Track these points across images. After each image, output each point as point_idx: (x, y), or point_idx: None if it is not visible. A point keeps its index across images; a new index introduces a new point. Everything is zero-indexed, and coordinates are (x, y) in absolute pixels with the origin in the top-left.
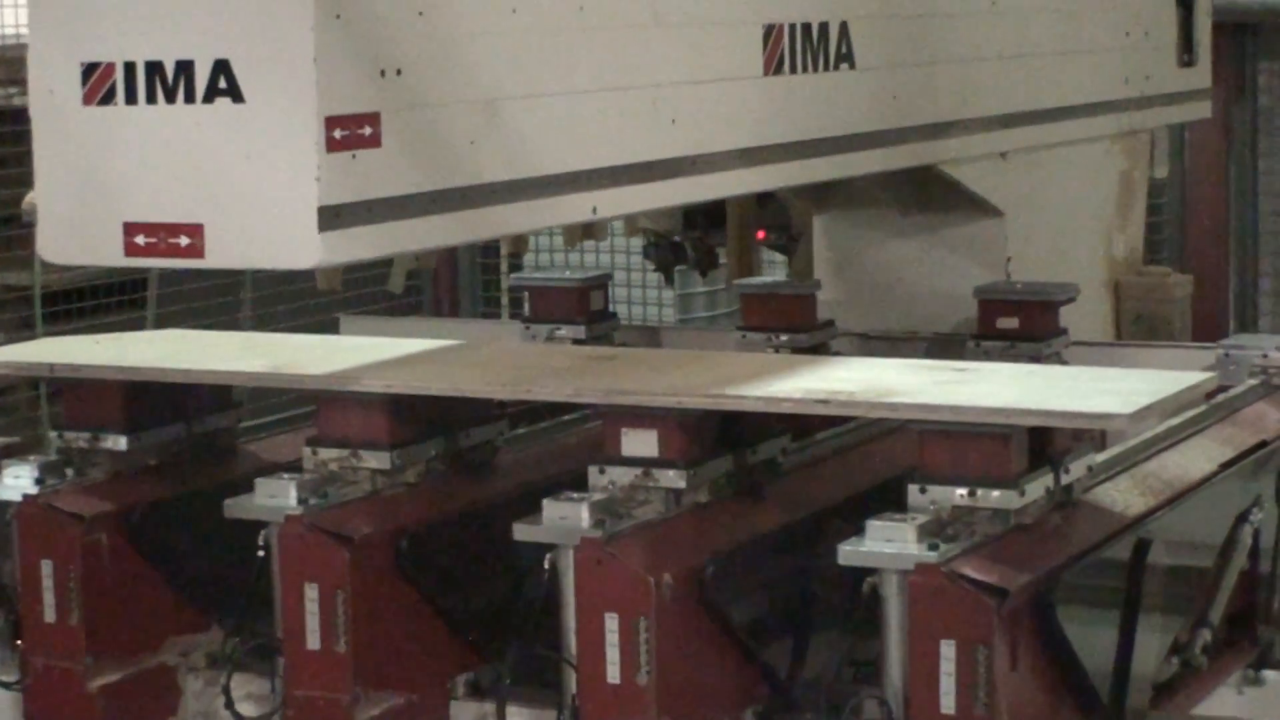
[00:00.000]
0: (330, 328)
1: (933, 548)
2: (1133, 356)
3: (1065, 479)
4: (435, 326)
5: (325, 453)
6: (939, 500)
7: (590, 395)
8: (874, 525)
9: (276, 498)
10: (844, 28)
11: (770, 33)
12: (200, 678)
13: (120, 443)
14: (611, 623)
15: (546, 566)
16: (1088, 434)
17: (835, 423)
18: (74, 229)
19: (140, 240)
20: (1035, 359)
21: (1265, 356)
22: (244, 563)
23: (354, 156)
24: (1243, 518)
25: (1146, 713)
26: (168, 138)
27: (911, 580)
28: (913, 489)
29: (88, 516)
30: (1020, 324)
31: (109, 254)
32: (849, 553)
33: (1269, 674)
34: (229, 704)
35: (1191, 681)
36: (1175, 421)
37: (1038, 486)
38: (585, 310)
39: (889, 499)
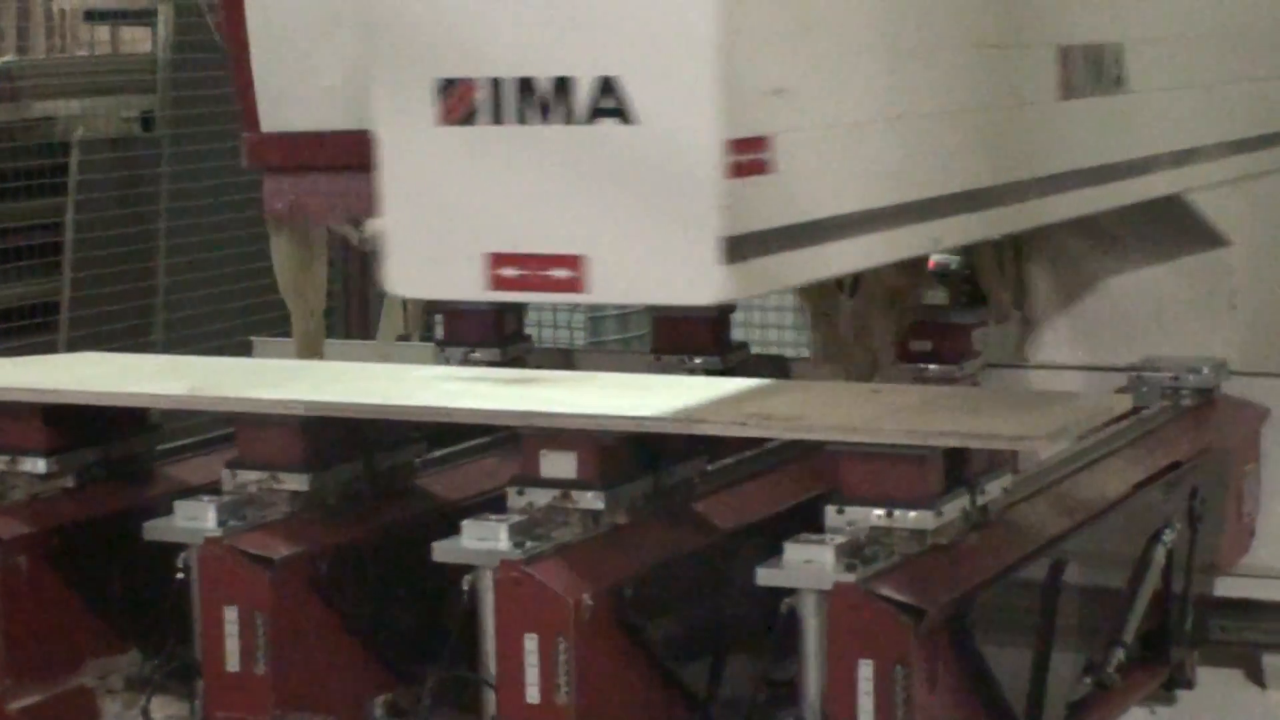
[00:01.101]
0: (242, 350)
1: (850, 568)
2: (1045, 379)
3: (981, 499)
4: (348, 349)
5: (244, 475)
6: (856, 521)
7: (509, 417)
8: (792, 546)
9: (196, 520)
10: (1119, 50)
11: (1063, 55)
12: (119, 700)
13: (39, 465)
14: (531, 643)
15: (465, 588)
16: (1003, 456)
17: (753, 444)
18: (428, 260)
19: (508, 273)
20: (949, 381)
21: (1176, 379)
22: (163, 585)
23: (751, 182)
24: (1155, 538)
25: None
26: (540, 161)
27: (830, 600)
28: (830, 510)
29: (6, 539)
30: (935, 347)
31: (470, 287)
32: (767, 574)
33: (1180, 693)
34: None
35: (1105, 700)
36: (1089, 443)
37: (954, 507)
38: (499, 333)
39: (807, 519)
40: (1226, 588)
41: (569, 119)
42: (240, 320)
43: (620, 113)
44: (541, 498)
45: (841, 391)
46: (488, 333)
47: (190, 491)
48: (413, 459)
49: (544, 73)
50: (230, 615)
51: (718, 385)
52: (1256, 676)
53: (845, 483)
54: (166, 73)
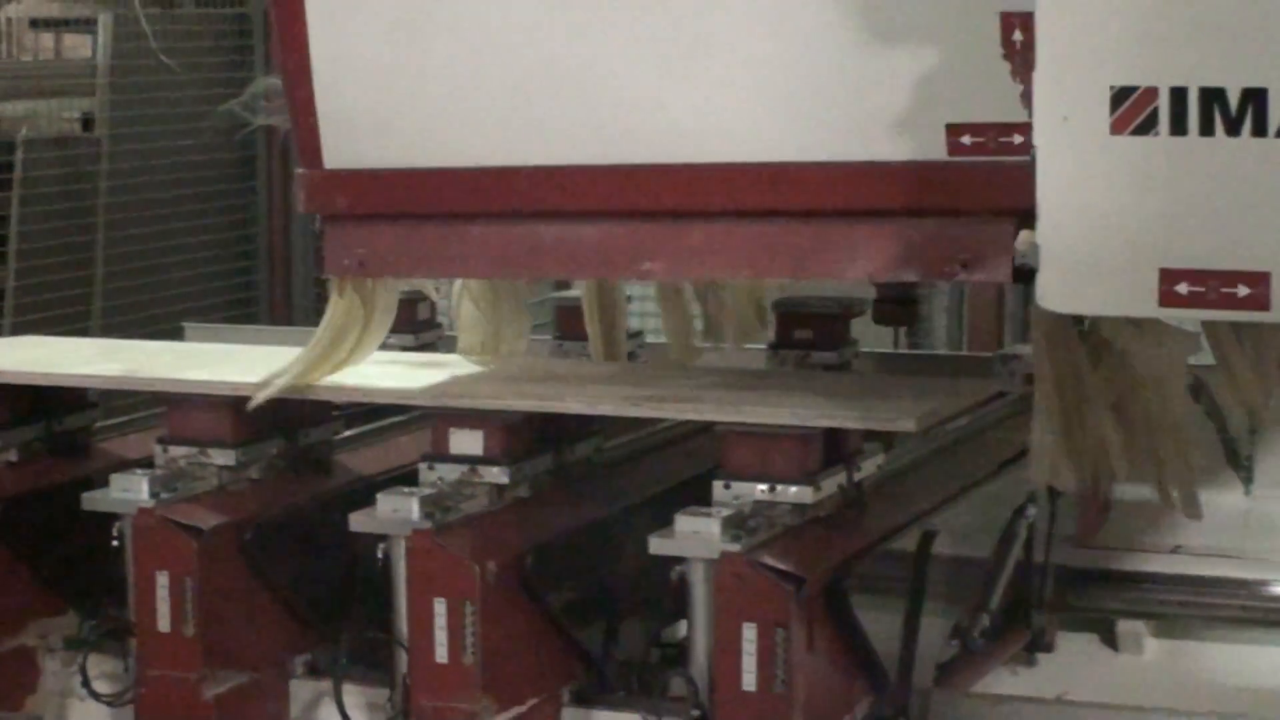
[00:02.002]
0: (175, 335)
1: (735, 539)
2: (917, 365)
3: (858, 476)
4: (272, 334)
5: (175, 450)
6: (742, 495)
7: (421, 398)
8: (682, 519)
9: (130, 492)
10: None
11: None
12: (58, 658)
13: None
14: (439, 607)
15: (379, 555)
16: (880, 435)
17: (648, 424)
18: (1091, 275)
19: (1182, 289)
20: (828, 367)
21: None
22: (100, 552)
23: None
24: (1019, 513)
25: (930, 690)
26: (1224, 174)
27: (716, 569)
28: (718, 485)
29: None
30: (814, 335)
31: (1138, 303)
32: (659, 544)
33: (1040, 656)
34: (85, 683)
35: (971, 663)
36: (960, 424)
37: (832, 483)
38: (412, 320)
39: (697, 493)
40: (1084, 559)
41: (1260, 133)
42: (173, 308)
43: None
44: (451, 473)
45: (731, 376)
46: (401, 320)
47: (126, 466)
48: (332, 436)
49: (1234, 84)
50: (161, 580)
51: (618, 369)
52: (1110, 641)
53: (732, 461)
54: (105, 77)
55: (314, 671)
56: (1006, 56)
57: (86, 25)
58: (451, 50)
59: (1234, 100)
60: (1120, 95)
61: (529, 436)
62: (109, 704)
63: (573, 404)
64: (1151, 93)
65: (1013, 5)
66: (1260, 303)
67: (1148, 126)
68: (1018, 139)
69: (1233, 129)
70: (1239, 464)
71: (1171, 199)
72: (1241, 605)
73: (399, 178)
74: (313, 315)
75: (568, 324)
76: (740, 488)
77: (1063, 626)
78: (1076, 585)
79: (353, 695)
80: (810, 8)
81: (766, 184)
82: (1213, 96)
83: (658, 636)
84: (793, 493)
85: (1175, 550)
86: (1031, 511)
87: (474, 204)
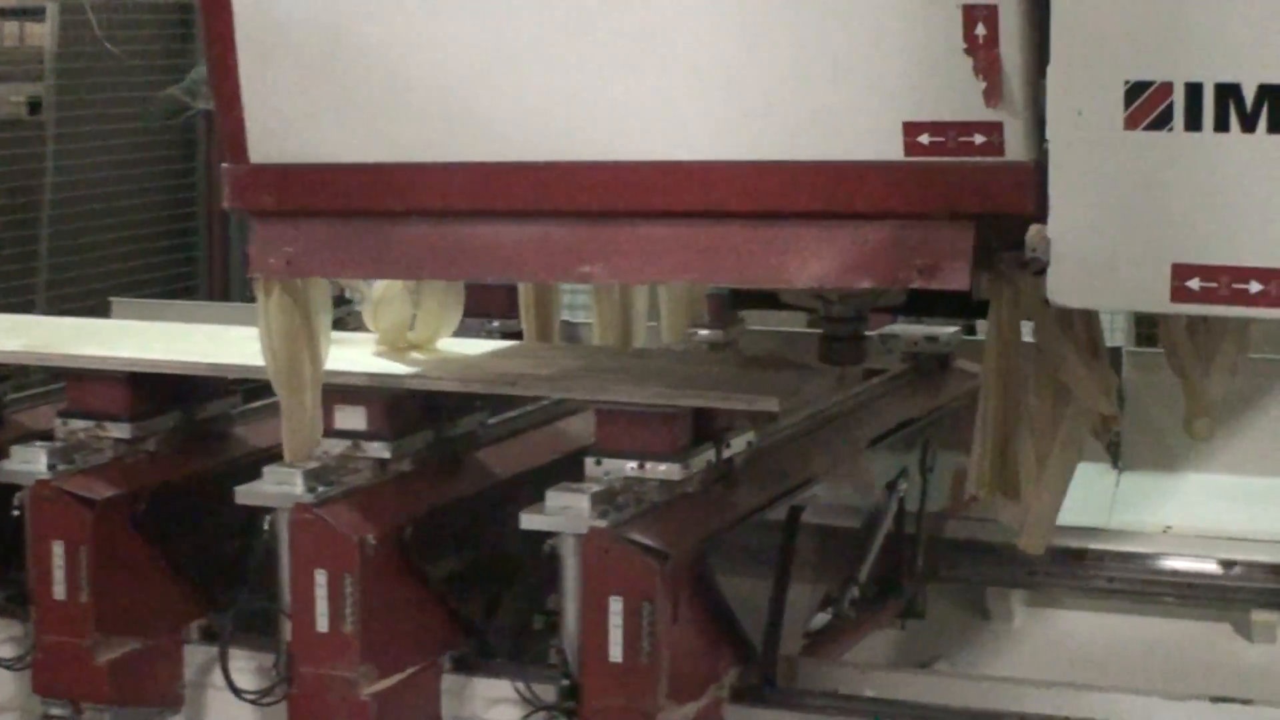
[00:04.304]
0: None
1: (604, 514)
2: (803, 340)
3: (727, 453)
4: (205, 310)
5: (74, 423)
6: (612, 472)
7: None
8: (553, 494)
9: (29, 464)
10: None
11: None
12: None
13: None
14: (321, 578)
15: (266, 527)
16: (750, 413)
17: (533, 400)
18: (1102, 270)
19: (1194, 285)
20: (715, 344)
21: (916, 344)
22: (1, 522)
23: None
24: (891, 486)
25: (798, 659)
26: (1239, 170)
27: (584, 543)
28: (589, 461)
29: None
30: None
31: (1149, 299)
32: (530, 519)
33: (912, 623)
34: None
35: (842, 631)
36: (836, 400)
37: (701, 460)
38: None
39: (572, 469)
40: (955, 530)
41: (1275, 129)
42: (116, 282)
43: None
44: (335, 447)
45: (610, 355)
46: None
47: (26, 437)
48: (228, 410)
49: (1250, 80)
50: (57, 550)
51: (499, 349)
52: (980, 608)
53: (603, 438)
54: (52, 63)
55: (207, 637)
56: (968, 52)
57: (36, 14)
58: (382, 42)
59: (1250, 96)
60: (1134, 90)
61: (412, 412)
62: (8, 668)
63: (445, 383)
64: (1166, 88)
65: None
66: (1273, 299)
67: (1162, 122)
68: (979, 138)
69: (1248, 125)
70: (1108, 440)
71: (1185, 195)
72: (1109, 576)
73: (328, 174)
74: (249, 293)
75: (469, 299)
76: (611, 464)
77: (935, 596)
78: (949, 555)
79: (242, 661)
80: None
81: (712, 184)
82: (1228, 92)
83: (534, 607)
84: (661, 469)
85: None
86: (903, 485)
87: (406, 202)
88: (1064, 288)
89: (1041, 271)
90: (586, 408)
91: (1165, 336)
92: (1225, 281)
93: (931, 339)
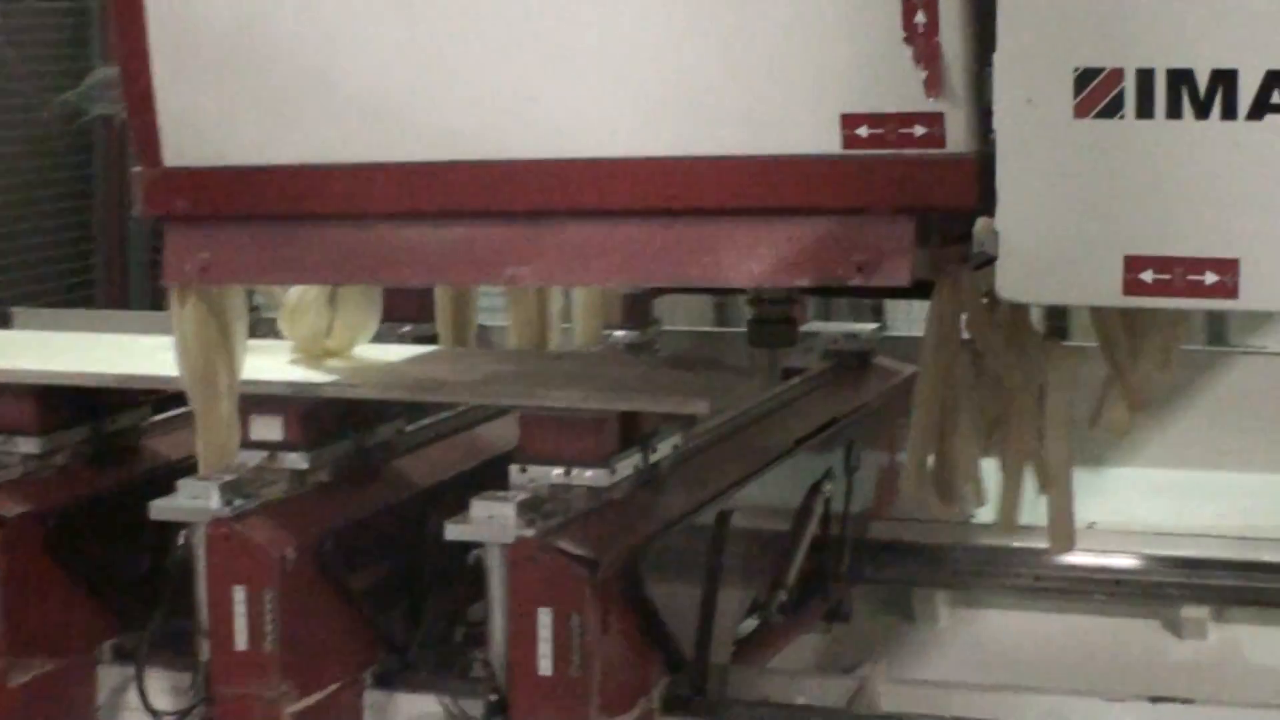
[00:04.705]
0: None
1: (530, 523)
2: (720, 340)
3: (654, 457)
4: (105, 319)
5: None
6: (538, 479)
7: None
8: (478, 503)
9: None
10: None
11: None
12: None
13: None
14: (239, 594)
15: (180, 543)
16: (675, 416)
17: (444, 408)
18: (1052, 263)
19: (1147, 277)
20: (634, 345)
21: (836, 342)
22: None
23: None
24: (816, 488)
25: (728, 666)
26: (1192, 158)
27: (511, 554)
28: (514, 469)
29: None
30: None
31: (1101, 292)
32: (455, 529)
33: (838, 626)
34: None
35: (770, 636)
36: (759, 400)
37: (627, 465)
38: None
39: (493, 476)
40: (879, 531)
41: (1229, 115)
42: (14, 291)
43: None
44: (251, 458)
45: (531, 359)
46: None
47: None
48: (139, 422)
49: (1203, 65)
50: None
51: (424, 354)
52: (906, 610)
53: (528, 444)
54: None
55: (121, 657)
56: (908, 40)
57: None
58: (301, 39)
59: (1203, 82)
60: (1084, 77)
61: (329, 421)
62: None
63: (365, 390)
64: (1117, 74)
65: None
66: (1228, 290)
67: (1113, 109)
68: (920, 130)
69: (1201, 112)
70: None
71: (1137, 184)
72: (1035, 575)
73: (246, 176)
74: (147, 301)
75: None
76: (536, 471)
77: (861, 597)
78: (874, 557)
79: (158, 681)
80: None
81: (643, 181)
82: (1181, 78)
83: (451, 619)
84: (588, 476)
85: (969, 521)
86: (828, 486)
87: (327, 205)
88: (1013, 282)
89: (980, 266)
90: (504, 412)
91: (1099, 329)
92: (1179, 273)
93: (852, 336)
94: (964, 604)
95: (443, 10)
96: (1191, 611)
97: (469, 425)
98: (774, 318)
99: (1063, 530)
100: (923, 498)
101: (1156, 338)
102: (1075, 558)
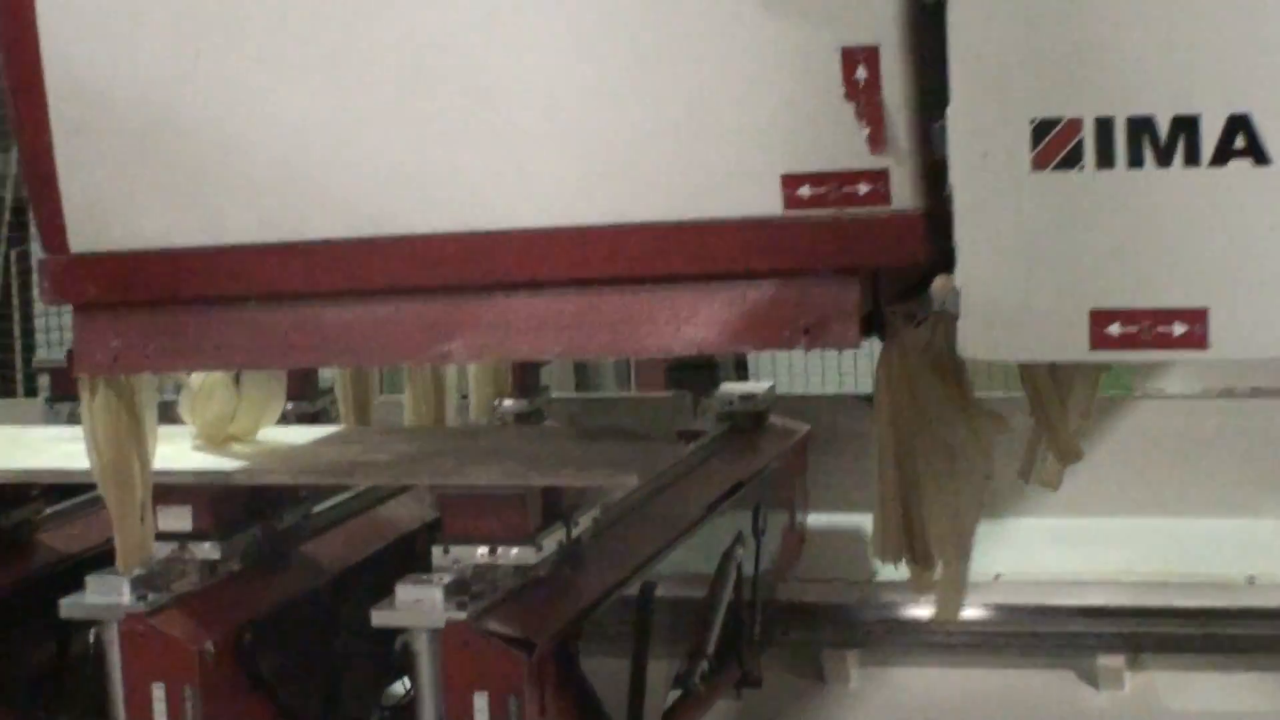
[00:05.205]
0: None
1: (461, 606)
2: (610, 405)
3: (575, 531)
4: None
5: None
6: (462, 559)
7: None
8: (403, 587)
9: None
10: None
11: None
12: None
13: None
14: (159, 691)
15: (91, 640)
16: (593, 490)
17: (347, 489)
18: (1015, 319)
19: (1114, 330)
20: (522, 415)
21: (731, 403)
22: None
23: None
24: (728, 554)
25: None
26: (1155, 207)
27: (443, 638)
28: (436, 550)
29: None
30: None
31: (1068, 348)
32: (381, 615)
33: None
34: None
35: (693, 706)
36: (665, 466)
37: (552, 541)
38: None
39: (406, 556)
40: (786, 593)
41: (1192, 161)
42: None
43: (1254, 154)
44: (161, 550)
45: (440, 437)
46: None
47: None
48: (33, 516)
49: (1164, 111)
50: None
51: (329, 435)
52: (816, 671)
53: (450, 524)
54: None
55: None
56: (849, 97)
57: None
58: (208, 116)
59: (1164, 129)
60: (1042, 128)
61: (238, 508)
62: None
63: (280, 474)
64: (1075, 124)
65: (855, 39)
66: (1198, 340)
67: (1072, 160)
68: (864, 188)
69: (1164, 159)
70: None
71: (1100, 236)
72: (945, 630)
73: (156, 260)
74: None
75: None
76: (460, 551)
77: (769, 661)
78: (784, 619)
79: None
80: (622, 49)
81: (577, 251)
82: (1141, 126)
83: (383, 702)
84: (514, 554)
85: (872, 580)
86: (739, 552)
87: (242, 287)
88: (975, 340)
89: (920, 324)
90: (405, 490)
91: (1029, 383)
92: (1147, 325)
93: (747, 397)
94: (875, 663)
95: (358, 81)
96: (1107, 660)
97: (372, 505)
98: (694, 362)
99: (952, 600)
100: (895, 566)
101: (1082, 388)
102: (985, 611)
